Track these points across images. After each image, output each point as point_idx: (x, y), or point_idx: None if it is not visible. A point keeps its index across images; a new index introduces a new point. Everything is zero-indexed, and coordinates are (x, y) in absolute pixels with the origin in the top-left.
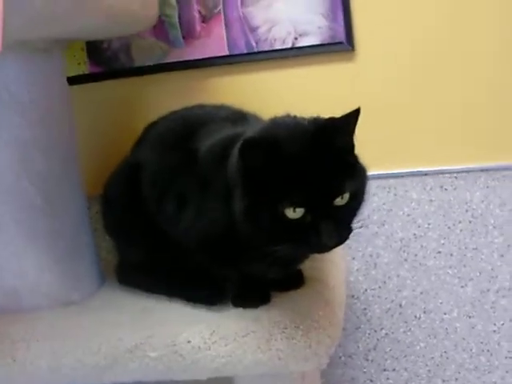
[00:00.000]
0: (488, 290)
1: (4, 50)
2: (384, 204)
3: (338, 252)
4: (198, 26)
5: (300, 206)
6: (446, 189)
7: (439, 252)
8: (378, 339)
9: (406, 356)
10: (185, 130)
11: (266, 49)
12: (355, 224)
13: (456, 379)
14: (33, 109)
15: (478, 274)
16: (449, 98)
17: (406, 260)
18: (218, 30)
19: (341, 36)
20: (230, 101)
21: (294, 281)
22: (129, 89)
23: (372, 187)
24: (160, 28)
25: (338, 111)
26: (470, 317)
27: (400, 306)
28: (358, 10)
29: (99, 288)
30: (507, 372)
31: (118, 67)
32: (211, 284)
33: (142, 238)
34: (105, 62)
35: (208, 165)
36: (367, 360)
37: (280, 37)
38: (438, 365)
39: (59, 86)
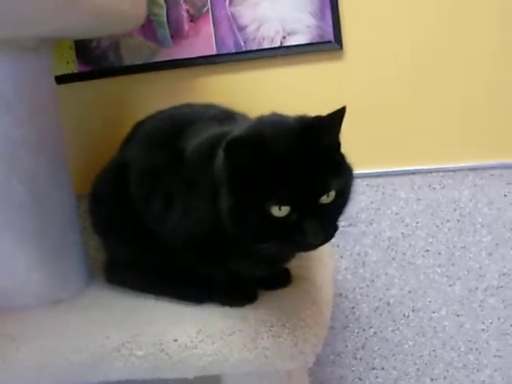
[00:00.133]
0: (476, 289)
1: None
2: (372, 203)
3: (326, 250)
4: (187, 26)
5: (286, 205)
6: (434, 188)
7: (427, 251)
8: (366, 338)
9: (394, 355)
10: (172, 129)
11: (255, 48)
12: (342, 222)
13: (444, 378)
14: (21, 107)
15: (467, 272)
16: (437, 98)
17: (394, 259)
18: (207, 29)
19: (329, 35)
20: (218, 100)
21: (280, 279)
22: (117, 88)
23: (360, 186)
24: (148, 27)
25: (326, 110)
26: (458, 315)
27: (388, 304)
28: (346, 8)
29: (87, 286)
30: (496, 370)
31: (107, 66)
32: (199, 282)
33: (129, 236)
34: (93, 60)
35: (195, 164)
36: (356, 359)
37: (268, 36)
38: (426, 363)
39: (47, 84)
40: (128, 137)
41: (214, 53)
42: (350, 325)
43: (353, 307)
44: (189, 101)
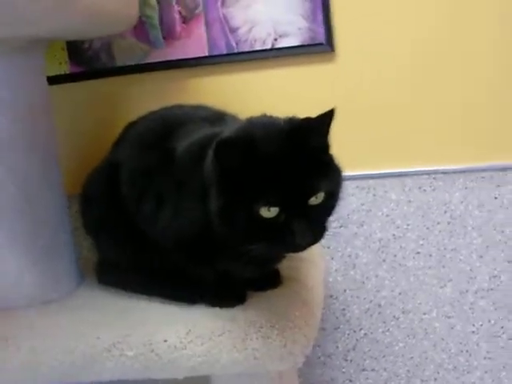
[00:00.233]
0: (467, 291)
1: None
2: (363, 205)
3: (317, 252)
4: (179, 27)
5: (274, 206)
6: (424, 190)
7: (418, 253)
8: (357, 339)
9: (385, 356)
10: (164, 130)
11: (246, 49)
12: (333, 224)
13: (435, 379)
14: (12, 108)
15: (457, 274)
16: (428, 100)
17: (384, 260)
18: (199, 30)
19: (321, 37)
20: (210, 101)
21: (270, 280)
22: (109, 89)
23: (351, 188)
24: (140, 28)
25: (317, 112)
26: (448, 317)
27: (379, 306)
28: (337, 11)
29: (78, 287)
30: (486, 372)
31: (99, 67)
32: (189, 283)
33: (121, 237)
34: (86, 61)
35: (185, 164)
36: (346, 360)
37: (260, 38)
38: (417, 365)
39: (39, 85)
40: (120, 137)
41: (206, 54)
42: (341, 326)
43: (343, 309)
44: (181, 102)
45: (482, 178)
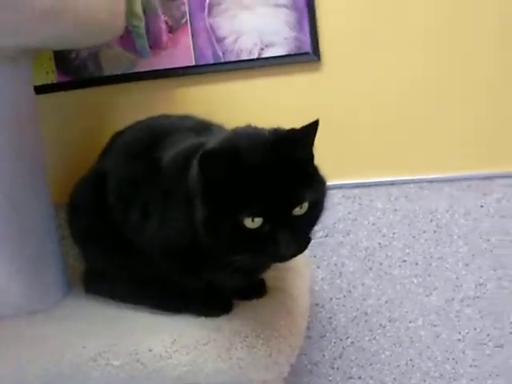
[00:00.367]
0: (453, 299)
1: None
2: (349, 213)
3: (303, 261)
4: (165, 37)
5: (258, 216)
6: (410, 198)
7: (404, 261)
8: (343, 347)
9: (371, 364)
10: (150, 140)
11: (233, 59)
12: (319, 233)
13: None
14: (0, 117)
15: (443, 283)
16: (413, 110)
17: (371, 269)
18: (185, 40)
19: (307, 46)
20: (196, 111)
21: (256, 290)
22: (96, 98)
23: (337, 197)
24: (127, 38)
25: (304, 121)
26: (434, 325)
27: (365, 314)
28: (323, 20)
29: (65, 296)
30: (472, 380)
31: (86, 76)
32: (175, 292)
33: (108, 246)
34: (73, 71)
35: (171, 174)
36: (333, 368)
37: (246, 47)
38: (403, 373)
39: (26, 94)
40: (107, 147)
41: (193, 64)
42: (327, 334)
43: (330, 317)
44: (167, 111)
45: (468, 186)
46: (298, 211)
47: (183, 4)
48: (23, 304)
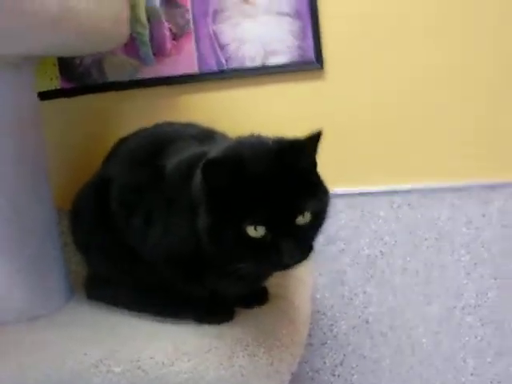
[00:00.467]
0: (454, 308)
1: None
2: (351, 221)
3: (305, 268)
4: (169, 44)
5: (261, 225)
6: (412, 207)
7: (405, 269)
8: (344, 355)
9: (372, 372)
10: (154, 147)
11: (236, 67)
12: (321, 240)
13: None
14: (2, 122)
15: (445, 291)
16: (415, 118)
17: (372, 277)
18: (189, 47)
19: (310, 55)
20: (200, 118)
21: (258, 298)
22: (100, 104)
23: (339, 204)
24: (131, 45)
25: (306, 129)
26: (435, 333)
27: (367, 322)
28: (326, 29)
29: (67, 302)
30: None
31: (90, 83)
32: (178, 300)
33: (111, 252)
34: (77, 77)
35: (174, 182)
36: (334, 375)
37: (250, 55)
38: (404, 381)
39: (29, 100)
40: (110, 153)
41: (196, 71)
42: (329, 342)
43: (331, 324)
44: (171, 118)
45: (470, 195)
46: (301, 220)
47: (187, 11)
48: (25, 309)
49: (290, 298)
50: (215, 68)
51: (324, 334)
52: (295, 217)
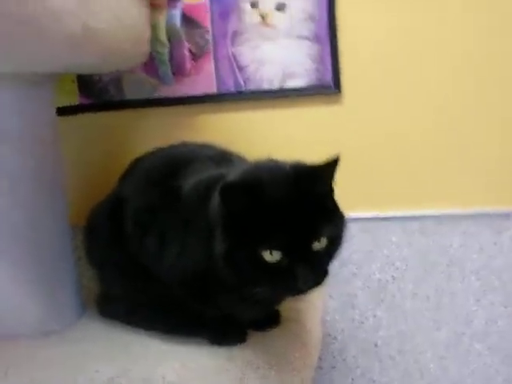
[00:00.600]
0: (463, 334)
1: None
2: (364, 245)
3: (316, 291)
4: (188, 64)
5: (277, 249)
6: (425, 233)
7: (416, 294)
8: (353, 378)
9: None
10: (170, 168)
11: (254, 88)
12: (333, 263)
13: None
14: (22, 139)
15: (454, 317)
16: (431, 146)
17: (383, 301)
18: (208, 67)
19: (328, 79)
20: (216, 138)
21: (270, 320)
22: (117, 122)
23: (353, 229)
24: (151, 64)
25: (322, 153)
26: (444, 359)
27: (376, 345)
28: (345, 53)
29: (79, 318)
30: None
31: (108, 100)
32: (191, 320)
33: (124, 271)
34: (95, 94)
35: (191, 203)
36: None
37: (268, 77)
38: None
39: (48, 116)
40: (126, 172)
41: (215, 91)
42: (338, 365)
43: (340, 348)
44: (187, 137)
45: (483, 223)
46: (317, 246)
47: (207, 32)
48: (38, 324)
49: (302, 321)
50: (233, 89)
51: (333, 357)
52: (311, 242)
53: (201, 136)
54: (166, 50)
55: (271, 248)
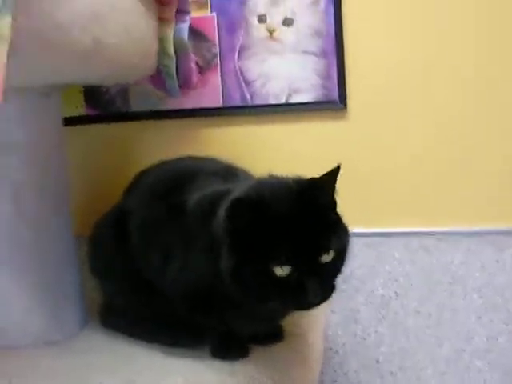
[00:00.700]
0: (463, 351)
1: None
2: (367, 261)
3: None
4: (195, 77)
5: (287, 264)
6: (427, 250)
7: (418, 311)
8: None
9: None
10: (174, 182)
11: (260, 103)
12: (336, 281)
13: None
14: (28, 149)
15: (455, 334)
16: (434, 163)
17: (385, 317)
18: (214, 81)
19: (334, 94)
20: (221, 152)
21: (273, 335)
22: (123, 133)
23: (357, 245)
24: (157, 76)
25: (328, 168)
26: (444, 375)
27: (377, 361)
28: (351, 69)
29: (82, 328)
30: None
31: (115, 111)
32: (193, 334)
33: (128, 284)
34: (102, 105)
35: (195, 218)
36: None
37: (274, 92)
38: None
39: (55, 127)
40: (131, 185)
41: (221, 105)
42: (339, 379)
43: (342, 362)
44: (193, 150)
45: (485, 241)
46: (326, 258)
47: (214, 46)
48: (41, 334)
49: (304, 336)
50: (239, 103)
51: (335, 371)
52: (320, 255)
53: (206, 149)
54: (172, 63)
55: (282, 263)
